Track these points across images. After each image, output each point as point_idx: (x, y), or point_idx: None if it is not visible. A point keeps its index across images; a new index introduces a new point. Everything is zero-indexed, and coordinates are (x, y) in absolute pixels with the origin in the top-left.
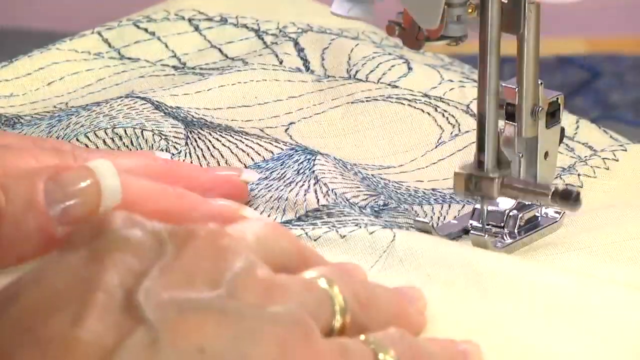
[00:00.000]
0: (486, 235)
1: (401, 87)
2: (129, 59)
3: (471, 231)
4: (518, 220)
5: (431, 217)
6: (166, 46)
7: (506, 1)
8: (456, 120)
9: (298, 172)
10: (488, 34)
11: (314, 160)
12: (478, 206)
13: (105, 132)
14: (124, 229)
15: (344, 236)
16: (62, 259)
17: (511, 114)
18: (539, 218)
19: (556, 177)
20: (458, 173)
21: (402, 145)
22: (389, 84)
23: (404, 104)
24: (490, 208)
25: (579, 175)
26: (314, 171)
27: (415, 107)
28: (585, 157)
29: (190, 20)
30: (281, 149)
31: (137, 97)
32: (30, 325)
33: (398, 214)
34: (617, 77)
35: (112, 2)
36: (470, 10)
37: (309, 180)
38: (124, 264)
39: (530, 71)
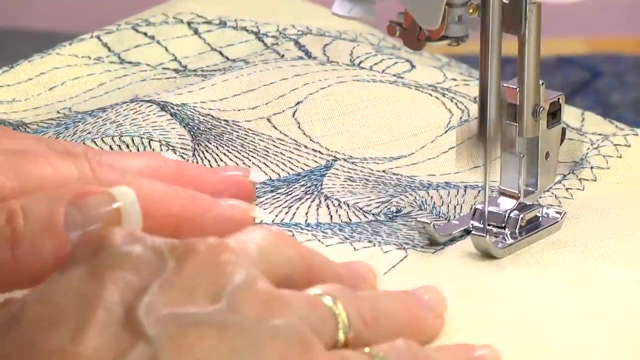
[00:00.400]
0: (487, 236)
1: (406, 79)
2: (130, 63)
3: (472, 231)
4: (519, 221)
5: (447, 204)
6: (166, 50)
7: (507, 1)
8: (465, 106)
9: (306, 193)
10: (489, 34)
11: (321, 184)
12: (479, 207)
13: (112, 139)
14: (124, 246)
15: (357, 249)
16: (62, 276)
17: (512, 114)
18: (540, 219)
19: (569, 172)
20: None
21: (411, 127)
22: (393, 75)
23: (410, 88)
24: (491, 209)
25: (591, 168)
26: (322, 192)
27: (422, 92)
28: (597, 140)
29: (189, 23)
30: (287, 172)
31: (142, 101)
32: (31, 341)
33: (412, 219)
34: (618, 77)
35: (112, 3)
36: (471, 11)
37: (319, 198)
38: (124, 281)
39: (531, 71)
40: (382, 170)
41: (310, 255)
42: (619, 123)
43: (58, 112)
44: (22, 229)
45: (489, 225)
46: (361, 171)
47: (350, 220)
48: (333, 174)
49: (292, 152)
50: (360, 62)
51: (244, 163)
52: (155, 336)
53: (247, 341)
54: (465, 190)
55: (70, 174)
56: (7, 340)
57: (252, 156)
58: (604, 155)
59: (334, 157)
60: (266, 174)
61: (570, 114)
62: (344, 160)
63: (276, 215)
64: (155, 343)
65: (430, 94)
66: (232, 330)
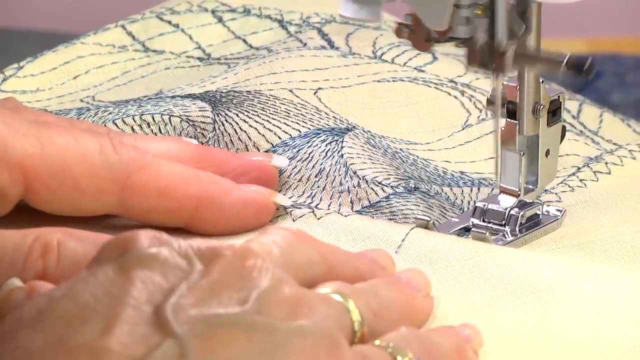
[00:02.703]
0: (487, 233)
1: (427, 72)
2: (154, 51)
3: (472, 229)
4: (519, 218)
5: (461, 200)
6: (190, 38)
7: (513, 2)
8: (483, 106)
9: (326, 155)
10: (496, 35)
11: (342, 142)
12: (480, 204)
13: (134, 119)
14: (151, 247)
15: (374, 216)
16: (90, 275)
17: (512, 112)
18: (540, 216)
19: (584, 166)
20: (470, 44)
21: (429, 125)
22: (415, 68)
23: (430, 87)
24: (491, 206)
25: (606, 163)
26: (342, 155)
27: (442, 90)
28: (611, 149)
29: (213, 11)
30: (308, 128)
31: (166, 96)
32: (60, 336)
33: (429, 197)
34: (618, 77)
35: (112, 2)
36: (478, 12)
37: (338, 169)
38: (151, 281)
39: (532, 71)
40: (400, 149)
41: (331, 253)
42: (637, 127)
43: (82, 101)
44: (53, 268)
45: (489, 222)
46: (380, 142)
47: (370, 202)
48: (354, 135)
49: (313, 115)
50: (382, 54)
51: (264, 127)
52: (184, 335)
53: (276, 341)
54: (479, 189)
55: (92, 148)
56: (35, 335)
57: (272, 118)
58: (618, 156)
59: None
60: (287, 133)
61: (589, 115)
62: (364, 130)
63: (297, 199)
64: (184, 341)
65: (449, 93)
66: (261, 331)
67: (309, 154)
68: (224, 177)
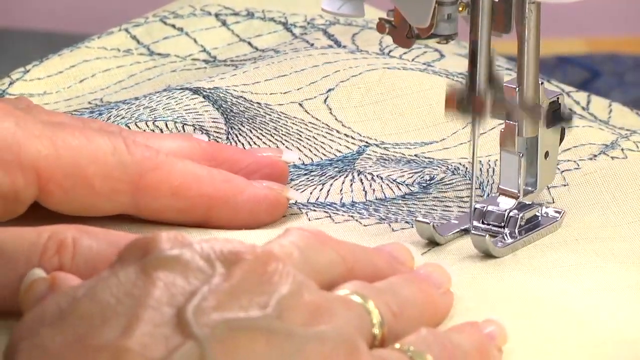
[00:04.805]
0: (487, 235)
1: (436, 67)
2: (159, 54)
3: (472, 231)
4: (518, 220)
5: (480, 167)
6: (195, 41)
7: (497, 0)
8: None
9: (340, 171)
10: (478, 32)
11: (354, 163)
12: (478, 206)
13: (147, 124)
14: (173, 249)
15: (395, 230)
16: (112, 275)
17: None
18: (540, 218)
19: (600, 153)
20: (449, 90)
21: (442, 115)
22: (423, 64)
23: (441, 76)
24: (490, 208)
25: (622, 149)
26: (355, 168)
27: (452, 79)
28: (626, 134)
29: (217, 15)
30: (320, 157)
31: (175, 89)
32: (82, 335)
33: (447, 188)
34: (617, 77)
35: (113, 3)
36: (460, 9)
37: (352, 173)
38: (173, 283)
39: (531, 71)
40: (414, 155)
41: (350, 253)
42: None
43: (89, 103)
44: (68, 265)
45: (488, 225)
46: (393, 155)
47: (385, 195)
48: (366, 156)
49: (325, 137)
50: (389, 52)
51: (277, 147)
52: (204, 337)
53: (295, 346)
54: (495, 163)
55: (105, 148)
56: (55, 334)
57: (285, 140)
58: (634, 141)
59: (366, 142)
60: (300, 159)
61: (597, 106)
62: (376, 145)
63: (310, 193)
64: (204, 344)
65: (461, 82)
66: (281, 335)
67: (323, 172)
68: (235, 174)
